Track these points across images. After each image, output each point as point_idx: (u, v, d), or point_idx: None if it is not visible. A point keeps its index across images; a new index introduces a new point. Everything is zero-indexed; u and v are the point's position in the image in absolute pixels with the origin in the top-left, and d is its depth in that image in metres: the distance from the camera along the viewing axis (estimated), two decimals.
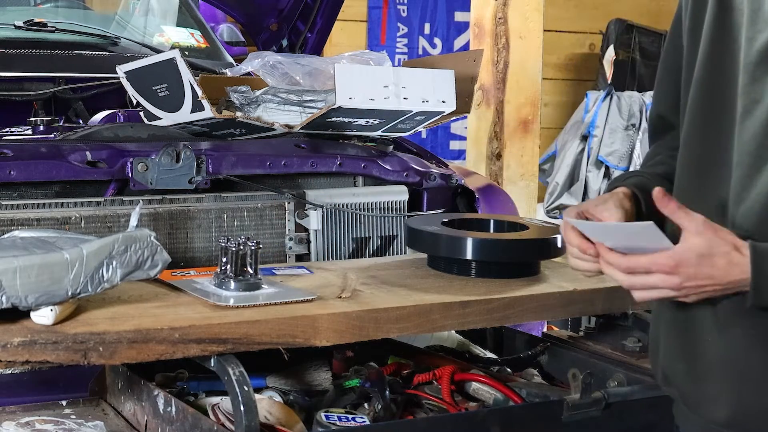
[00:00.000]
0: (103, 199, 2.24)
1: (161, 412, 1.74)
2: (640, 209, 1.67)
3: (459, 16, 6.83)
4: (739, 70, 1.50)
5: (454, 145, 6.89)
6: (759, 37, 1.47)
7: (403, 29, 6.78)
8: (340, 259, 2.46)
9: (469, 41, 4.84)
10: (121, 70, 2.51)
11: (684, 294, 1.47)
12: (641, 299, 1.51)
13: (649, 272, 1.47)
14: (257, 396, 1.68)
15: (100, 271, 1.66)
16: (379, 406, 1.81)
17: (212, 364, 1.64)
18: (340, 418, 1.74)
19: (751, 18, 1.49)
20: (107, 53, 3.23)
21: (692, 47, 1.60)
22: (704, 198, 1.54)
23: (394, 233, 2.55)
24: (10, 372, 2.01)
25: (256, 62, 2.72)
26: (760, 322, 1.48)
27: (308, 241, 2.43)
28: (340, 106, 2.41)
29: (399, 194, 2.57)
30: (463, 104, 2.66)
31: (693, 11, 1.60)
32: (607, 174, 6.10)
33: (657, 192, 1.46)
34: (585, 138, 6.36)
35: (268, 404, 1.75)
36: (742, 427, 1.51)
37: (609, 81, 6.71)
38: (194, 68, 2.65)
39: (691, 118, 1.59)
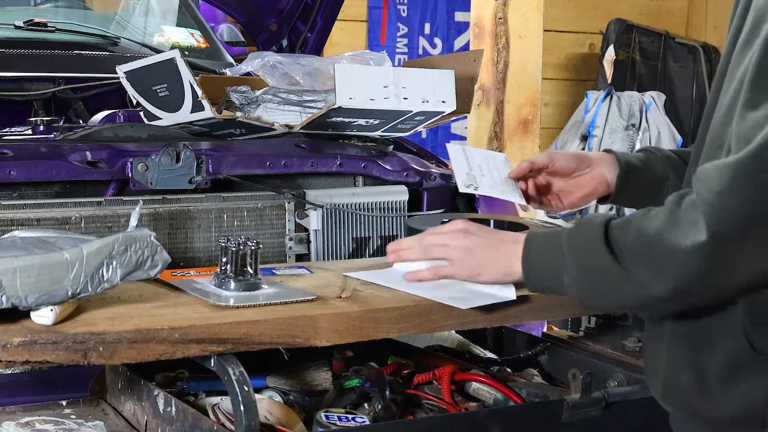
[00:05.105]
0: (103, 199, 2.24)
1: (161, 412, 1.74)
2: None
3: (459, 16, 6.83)
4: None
5: None
6: (745, 28, 1.49)
7: (403, 29, 6.78)
8: (340, 259, 2.46)
9: (469, 41, 4.85)
10: (121, 70, 2.51)
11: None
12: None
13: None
14: (257, 396, 1.68)
15: (100, 271, 1.65)
16: (379, 406, 1.81)
17: (212, 364, 1.64)
18: (340, 418, 1.74)
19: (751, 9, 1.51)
20: (107, 53, 3.23)
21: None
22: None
23: (394, 233, 2.55)
24: (10, 372, 2.01)
25: (256, 62, 2.72)
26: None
27: (308, 241, 2.43)
28: (340, 106, 2.41)
29: (399, 194, 2.57)
30: (463, 104, 2.66)
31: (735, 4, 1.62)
32: None
33: None
34: (585, 138, 6.37)
35: (268, 404, 1.75)
36: (669, 402, 1.57)
37: (609, 81, 6.72)
38: (194, 68, 2.65)
39: (707, 105, 1.61)
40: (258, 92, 2.56)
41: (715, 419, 1.48)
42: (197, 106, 2.39)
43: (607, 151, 1.88)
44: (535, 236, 1.59)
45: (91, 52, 3.21)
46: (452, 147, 1.87)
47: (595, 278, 1.46)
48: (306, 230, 2.43)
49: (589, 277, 1.47)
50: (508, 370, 2.11)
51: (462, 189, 1.81)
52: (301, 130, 2.53)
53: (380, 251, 2.53)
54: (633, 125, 6.28)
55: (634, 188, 1.83)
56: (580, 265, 1.47)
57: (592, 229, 1.45)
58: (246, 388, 1.59)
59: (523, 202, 1.87)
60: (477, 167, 1.84)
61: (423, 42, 6.84)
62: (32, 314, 1.59)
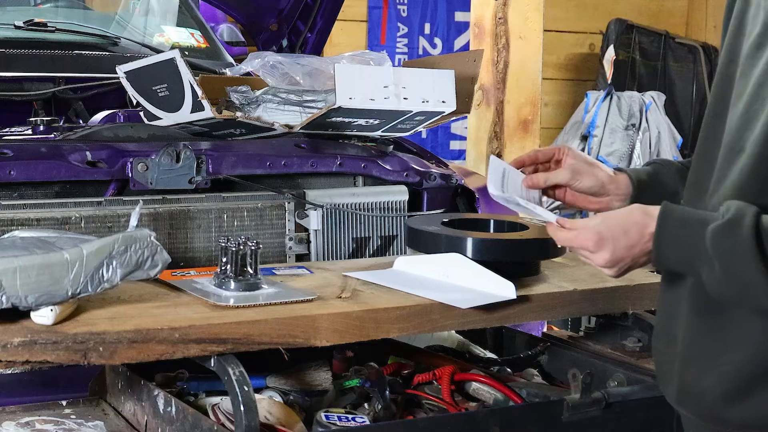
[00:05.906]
0: (103, 199, 2.24)
1: (161, 412, 1.74)
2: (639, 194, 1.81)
3: (459, 16, 6.83)
4: (740, 63, 1.52)
5: (454, 145, 6.89)
6: (754, 31, 1.48)
7: (403, 29, 6.78)
8: (340, 259, 2.46)
9: (469, 41, 4.85)
10: (121, 70, 2.51)
11: (614, 273, 1.57)
12: None
13: (572, 249, 1.62)
14: (257, 396, 1.68)
15: (100, 271, 1.66)
16: (379, 406, 1.82)
17: (212, 364, 1.64)
18: (340, 418, 1.74)
19: (755, 11, 1.50)
20: (107, 53, 3.23)
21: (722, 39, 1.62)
22: (699, 186, 1.56)
23: (394, 233, 2.55)
24: (10, 372, 2.01)
25: (256, 62, 2.72)
26: (714, 312, 1.49)
27: (308, 241, 2.43)
28: (340, 106, 2.41)
29: (399, 194, 2.57)
30: (463, 104, 2.66)
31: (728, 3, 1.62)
32: None
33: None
34: (585, 138, 6.36)
35: (268, 404, 1.75)
36: (687, 407, 1.54)
37: (609, 81, 6.71)
38: (194, 68, 2.65)
39: (708, 106, 1.60)
40: (258, 92, 2.56)
41: (741, 424, 1.45)
42: (197, 106, 2.39)
43: (621, 170, 1.87)
44: (671, 214, 1.50)
45: (91, 52, 3.21)
46: (494, 159, 1.90)
47: (744, 287, 1.40)
48: (306, 230, 2.43)
49: (737, 284, 1.41)
50: (508, 370, 2.11)
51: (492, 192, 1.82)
52: (301, 130, 2.53)
53: (380, 251, 2.53)
54: (633, 125, 6.28)
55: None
56: (728, 269, 1.40)
57: (742, 232, 1.38)
58: (246, 388, 1.59)
59: (552, 218, 1.79)
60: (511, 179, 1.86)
61: (423, 42, 6.84)
62: (32, 314, 1.59)
